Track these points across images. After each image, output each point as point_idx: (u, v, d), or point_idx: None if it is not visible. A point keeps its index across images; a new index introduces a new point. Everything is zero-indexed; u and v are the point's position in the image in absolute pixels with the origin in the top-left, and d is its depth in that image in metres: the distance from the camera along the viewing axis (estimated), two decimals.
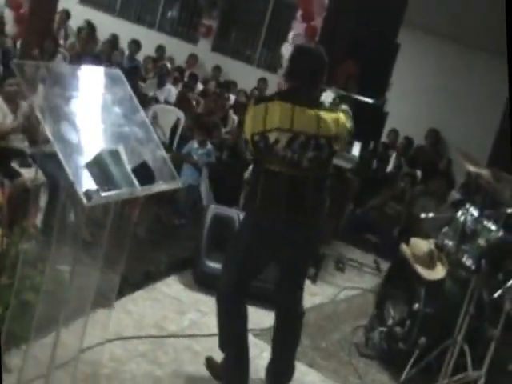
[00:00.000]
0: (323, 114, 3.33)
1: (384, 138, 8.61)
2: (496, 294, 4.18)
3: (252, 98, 9.16)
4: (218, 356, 3.79)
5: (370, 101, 6.22)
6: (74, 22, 11.71)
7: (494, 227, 4.20)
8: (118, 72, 3.44)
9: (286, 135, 3.28)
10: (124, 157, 3.12)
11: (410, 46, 7.78)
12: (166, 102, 8.90)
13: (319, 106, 3.37)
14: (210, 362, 3.80)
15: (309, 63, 3.42)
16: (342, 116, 3.41)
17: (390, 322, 4.45)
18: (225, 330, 3.66)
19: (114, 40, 11.38)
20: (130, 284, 4.47)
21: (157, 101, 8.70)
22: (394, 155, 8.97)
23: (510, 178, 4.29)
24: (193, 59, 11.73)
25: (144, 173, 3.15)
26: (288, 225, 3.39)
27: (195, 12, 12.95)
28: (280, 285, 3.69)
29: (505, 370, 4.43)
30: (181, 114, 7.92)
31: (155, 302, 4.49)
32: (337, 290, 5.47)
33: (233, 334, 3.64)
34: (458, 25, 8.88)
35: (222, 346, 3.69)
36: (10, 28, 9.56)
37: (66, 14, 11.37)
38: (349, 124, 3.44)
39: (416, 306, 4.26)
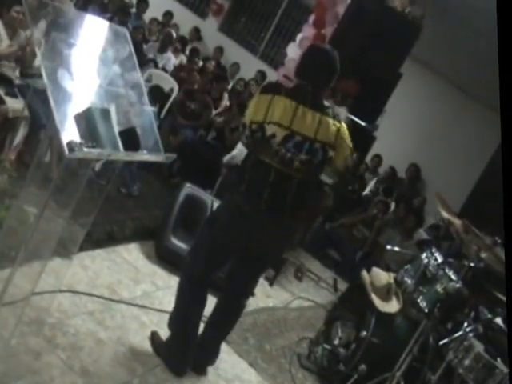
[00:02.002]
0: (325, 120, 3.33)
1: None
2: (442, 342, 4.29)
3: (252, 86, 9.24)
4: (163, 333, 3.81)
5: (362, 123, 6.27)
6: None
7: (454, 277, 4.28)
8: (123, 30, 3.40)
9: (283, 132, 3.28)
10: (114, 117, 3.10)
11: (410, 79, 7.85)
12: (163, 69, 8.82)
13: (323, 110, 3.36)
14: (154, 336, 3.80)
15: (321, 63, 3.41)
16: (344, 127, 3.40)
17: (336, 341, 4.49)
18: (181, 311, 3.64)
19: None
20: (92, 240, 4.42)
21: (155, 65, 8.61)
22: (373, 181, 9.05)
23: (478, 233, 4.37)
24: (195, 33, 11.64)
25: (130, 138, 3.12)
26: (267, 217, 3.38)
27: None
28: (236, 272, 3.68)
29: None
30: (175, 85, 7.84)
31: (113, 264, 4.44)
32: (291, 298, 5.50)
33: (188, 318, 3.63)
34: (462, 71, 8.99)
35: (173, 325, 3.68)
36: None
37: None
38: (349, 140, 3.45)
39: (364, 333, 4.31)
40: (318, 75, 3.38)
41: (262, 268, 3.82)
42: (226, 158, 6.42)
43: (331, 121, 3.34)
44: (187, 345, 3.64)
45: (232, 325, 3.80)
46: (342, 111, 3.55)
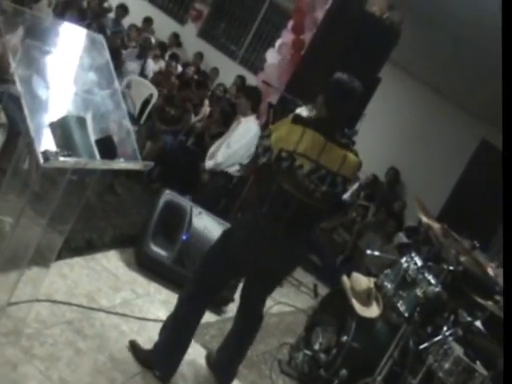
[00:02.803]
0: (349, 157, 3.45)
1: None
2: (422, 346, 4.30)
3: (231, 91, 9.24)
4: (141, 340, 3.80)
5: None
6: None
7: (433, 281, 4.31)
8: (100, 37, 3.39)
9: (310, 164, 3.38)
10: (90, 125, 3.08)
11: (389, 83, 7.90)
12: (143, 75, 8.80)
13: (347, 146, 3.48)
14: (134, 344, 3.79)
15: (350, 100, 3.47)
16: (358, 159, 3.56)
17: (317, 347, 4.49)
18: (181, 319, 3.65)
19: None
20: (71, 248, 4.38)
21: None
22: (355, 185, 9.06)
23: (456, 237, 4.40)
24: (174, 39, 11.64)
25: (107, 147, 3.11)
26: (284, 239, 3.50)
27: None
28: (250, 295, 3.81)
29: None
30: (154, 91, 7.83)
31: (92, 272, 4.40)
32: (271, 303, 5.47)
33: (186, 327, 3.66)
34: (440, 75, 9.07)
35: (169, 331, 3.68)
36: None
37: None
38: None
39: (344, 337, 4.32)
40: (346, 110, 3.48)
41: (274, 288, 3.91)
42: (210, 164, 6.40)
43: (352, 157, 3.48)
44: (181, 352, 3.66)
45: (248, 348, 3.92)
46: (303, 110, 3.56)
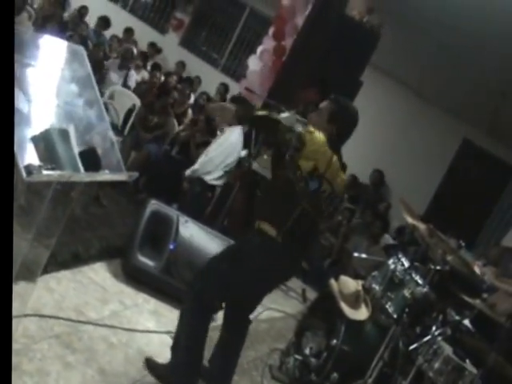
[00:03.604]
0: (344, 178, 3.62)
1: None
2: (411, 347, 4.32)
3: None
4: (131, 352, 3.78)
5: None
6: None
7: (420, 281, 4.32)
8: (81, 49, 3.39)
9: (330, 189, 3.47)
10: (73, 138, 3.06)
11: (371, 86, 7.95)
12: (125, 85, 8.80)
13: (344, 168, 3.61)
14: (150, 363, 3.80)
15: (351, 124, 3.60)
16: None
17: (307, 351, 4.50)
18: (191, 336, 3.61)
19: (82, 11, 11.19)
20: (57, 262, 4.36)
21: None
22: None
23: (442, 237, 4.42)
24: (152, 48, 11.63)
25: (91, 159, 3.10)
26: (298, 254, 3.64)
27: (169, 3, 12.87)
28: (244, 301, 3.80)
29: None
30: (137, 101, 7.83)
31: (79, 286, 4.38)
32: (260, 309, 5.46)
33: (199, 342, 3.62)
34: (421, 78, 9.14)
35: (183, 349, 3.62)
36: None
37: None
38: None
39: (334, 341, 4.33)
40: (349, 134, 3.61)
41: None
42: (187, 172, 6.42)
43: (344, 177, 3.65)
44: (197, 369, 3.64)
45: (239, 355, 3.89)
46: (288, 116, 3.55)
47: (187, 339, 3.61)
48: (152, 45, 11.70)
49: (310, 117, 3.62)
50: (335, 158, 3.45)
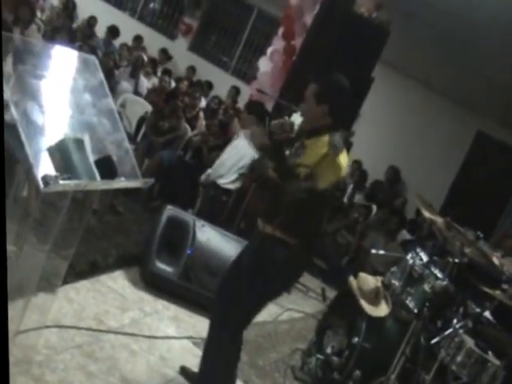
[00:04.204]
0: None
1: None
2: (433, 341, 4.29)
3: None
4: (153, 359, 3.79)
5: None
6: None
7: (440, 275, 4.30)
8: (93, 58, 3.40)
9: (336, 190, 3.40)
10: (88, 147, 3.08)
11: (383, 83, 7.92)
12: (137, 93, 8.84)
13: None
14: (185, 371, 3.81)
15: (342, 95, 3.41)
16: None
17: (329, 350, 4.48)
18: (231, 367, 3.53)
19: (91, 21, 11.27)
20: (75, 272, 4.39)
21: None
22: (351, 186, 9.09)
23: (460, 229, 4.39)
24: (163, 54, 11.66)
25: (106, 166, 3.11)
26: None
27: (177, 8, 12.91)
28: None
29: None
30: (149, 108, 7.87)
31: (98, 295, 4.41)
32: (280, 310, 5.48)
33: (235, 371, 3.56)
34: (433, 71, 9.09)
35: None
36: None
37: None
38: None
39: (355, 339, 4.31)
40: (346, 105, 3.53)
41: None
42: (202, 177, 6.45)
43: None
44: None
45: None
46: (298, 116, 3.50)
47: (228, 372, 3.51)
48: (163, 51, 11.73)
49: (300, 109, 3.49)
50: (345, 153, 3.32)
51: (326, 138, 3.24)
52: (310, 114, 3.35)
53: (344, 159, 3.28)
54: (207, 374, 3.52)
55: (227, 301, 3.44)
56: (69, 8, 11.61)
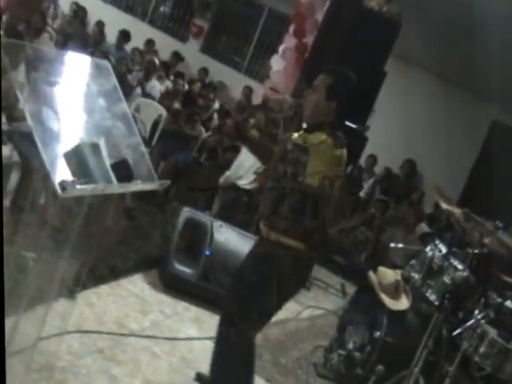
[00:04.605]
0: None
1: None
2: (455, 332, 4.27)
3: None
4: (175, 360, 3.81)
5: (352, 125, 6.29)
6: (64, 3, 11.64)
7: (460, 266, 4.27)
8: (105, 63, 3.42)
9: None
10: (104, 151, 3.10)
11: (396, 77, 7.89)
12: (150, 96, 8.87)
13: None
14: (200, 377, 3.78)
15: (352, 97, 3.31)
16: None
17: (350, 346, 4.48)
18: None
19: (101, 26, 11.33)
20: (95, 277, 4.42)
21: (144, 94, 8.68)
22: (370, 181, 9.05)
23: (478, 220, 4.36)
24: (175, 57, 11.66)
25: (123, 170, 3.13)
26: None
27: (188, 11, 12.94)
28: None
29: None
30: (163, 111, 7.90)
31: (118, 299, 4.43)
32: (301, 308, 5.48)
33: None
34: (445, 62, 9.03)
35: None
36: None
37: None
38: None
39: (377, 333, 4.31)
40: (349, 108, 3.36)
41: None
42: (221, 180, 6.46)
43: None
44: None
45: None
46: None
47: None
48: (175, 54, 11.75)
49: (305, 95, 3.31)
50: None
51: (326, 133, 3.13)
52: (317, 107, 3.21)
53: (343, 154, 3.18)
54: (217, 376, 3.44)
55: (237, 302, 3.35)
56: (79, 15, 11.69)
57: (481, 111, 9.40)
